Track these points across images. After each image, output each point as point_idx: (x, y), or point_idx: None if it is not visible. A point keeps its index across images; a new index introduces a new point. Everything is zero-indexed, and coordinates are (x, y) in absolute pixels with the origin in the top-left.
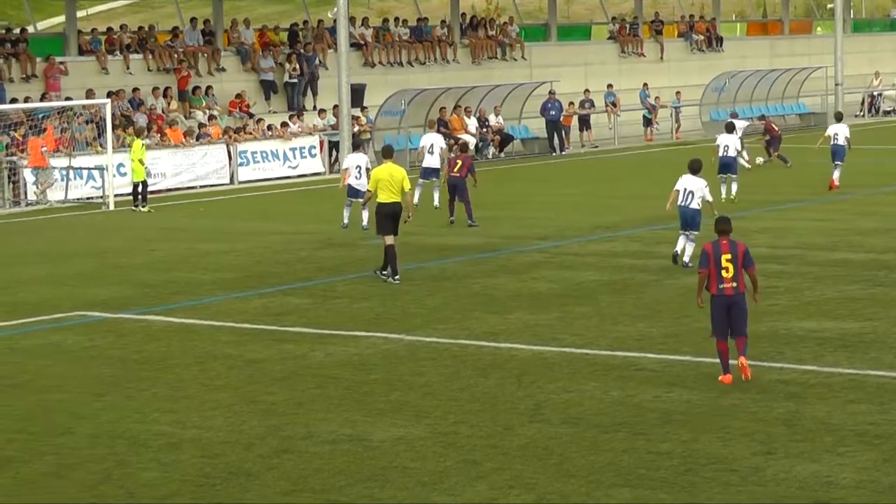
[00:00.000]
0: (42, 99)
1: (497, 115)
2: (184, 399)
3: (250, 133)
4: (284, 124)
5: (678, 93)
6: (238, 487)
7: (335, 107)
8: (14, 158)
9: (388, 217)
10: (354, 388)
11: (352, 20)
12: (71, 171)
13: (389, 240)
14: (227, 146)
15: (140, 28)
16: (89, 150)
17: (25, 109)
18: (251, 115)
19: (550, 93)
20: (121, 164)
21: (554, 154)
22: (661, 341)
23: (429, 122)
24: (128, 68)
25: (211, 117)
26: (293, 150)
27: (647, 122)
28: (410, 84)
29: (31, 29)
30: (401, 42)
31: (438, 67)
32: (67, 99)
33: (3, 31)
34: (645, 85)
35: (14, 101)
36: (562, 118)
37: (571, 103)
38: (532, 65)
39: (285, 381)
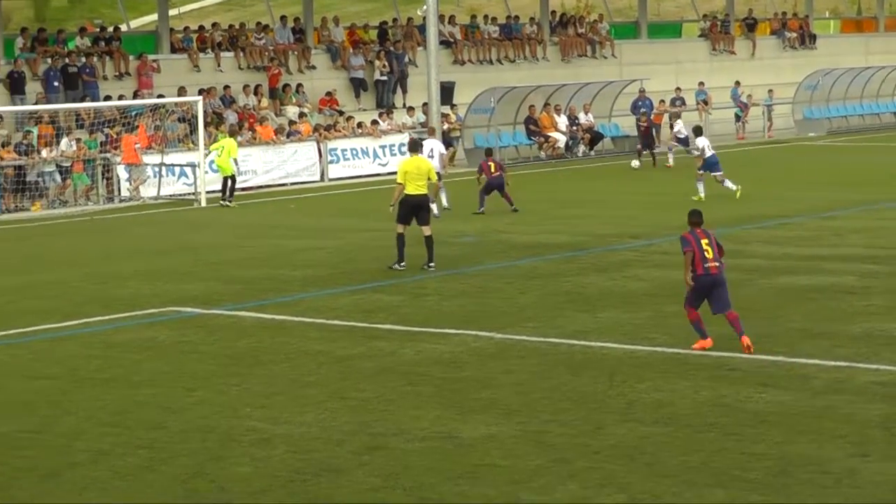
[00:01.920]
0: (135, 96)
1: (587, 113)
2: (275, 395)
3: (340, 130)
4: (374, 122)
5: (770, 91)
6: (329, 483)
7: (424, 104)
8: (108, 155)
9: (415, 207)
10: (445, 386)
11: (441, 18)
12: (163, 168)
13: (427, 230)
14: (318, 143)
15: (231, 26)
16: (181, 147)
17: (119, 107)
18: (341, 113)
19: (641, 91)
20: (213, 161)
21: (645, 152)
22: (754, 341)
23: (429, 129)
24: (219, 66)
25: (301, 115)
26: (383, 147)
27: (739, 120)
28: (500, 82)
29: (124, 27)
30: (490, 40)
31: (528, 65)
32: (160, 96)
33: (98, 30)
34: (737, 83)
35: (108, 98)
36: (652, 116)
37: (662, 101)
38: (622, 63)
39: (376, 378)
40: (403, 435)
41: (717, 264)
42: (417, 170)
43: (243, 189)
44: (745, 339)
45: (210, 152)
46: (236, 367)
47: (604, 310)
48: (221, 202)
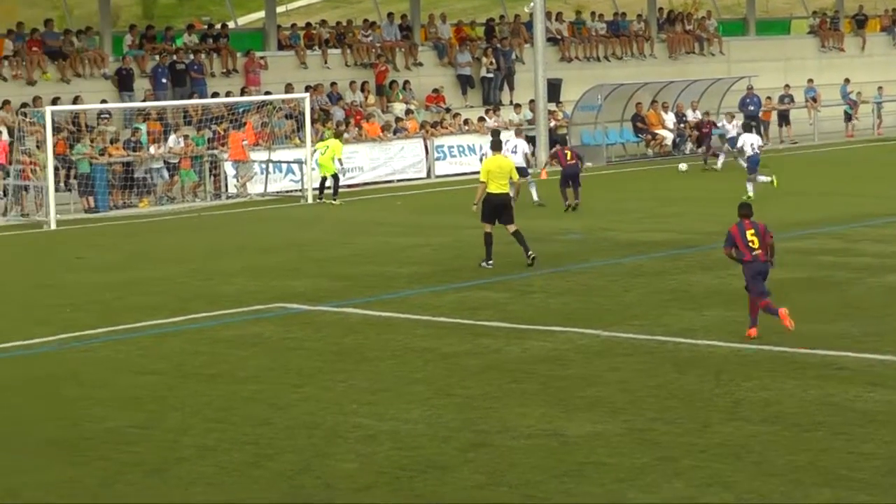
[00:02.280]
0: (242, 93)
1: (694, 111)
2: (381, 391)
3: (447, 127)
4: (481, 119)
5: (880, 88)
6: (434, 480)
7: (531, 101)
8: (215, 152)
9: (498, 207)
10: (550, 383)
11: (548, 15)
12: (270, 165)
13: (512, 227)
14: (424, 140)
15: (338, 23)
16: (288, 143)
17: (226, 104)
18: (448, 110)
19: (749, 88)
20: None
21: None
22: (862, 340)
23: (515, 129)
24: (326, 63)
25: (408, 111)
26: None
27: (848, 117)
28: (607, 79)
29: (231, 24)
30: (597, 37)
31: (635, 62)
32: (267, 93)
33: (205, 27)
34: (846, 80)
35: (215, 95)
36: (760, 113)
37: (769, 98)
38: (730, 60)
39: (481, 376)
40: (509, 432)
41: (760, 251)
42: (499, 169)
43: (349, 186)
44: (783, 311)
45: (315, 151)
46: (342, 363)
47: (710, 308)
48: (321, 200)
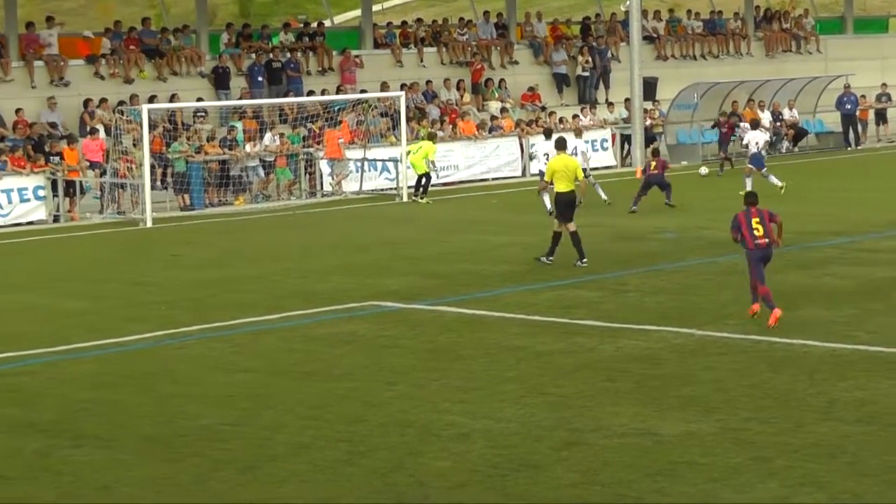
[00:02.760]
0: (337, 92)
1: (791, 109)
2: (474, 390)
3: (542, 126)
4: (576, 117)
5: None
6: (527, 479)
7: (626, 100)
8: (311, 150)
9: (566, 205)
10: (644, 382)
11: (644, 13)
12: (365, 163)
13: (572, 226)
14: (520, 139)
15: (434, 21)
16: (383, 142)
17: (322, 102)
18: (543, 108)
19: (846, 86)
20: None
21: (849, 148)
22: None
23: (575, 130)
24: (422, 61)
25: (503, 110)
26: (585, 143)
27: None
28: (703, 77)
29: (327, 23)
30: (694, 35)
31: (731, 60)
32: (362, 91)
33: (301, 26)
34: None
35: (311, 93)
36: (857, 112)
37: (863, 96)
38: (827, 58)
39: (575, 374)
40: (602, 431)
41: (765, 240)
42: (565, 168)
43: (444, 184)
44: (776, 313)
45: (409, 152)
46: (436, 361)
47: (805, 307)
48: (413, 198)
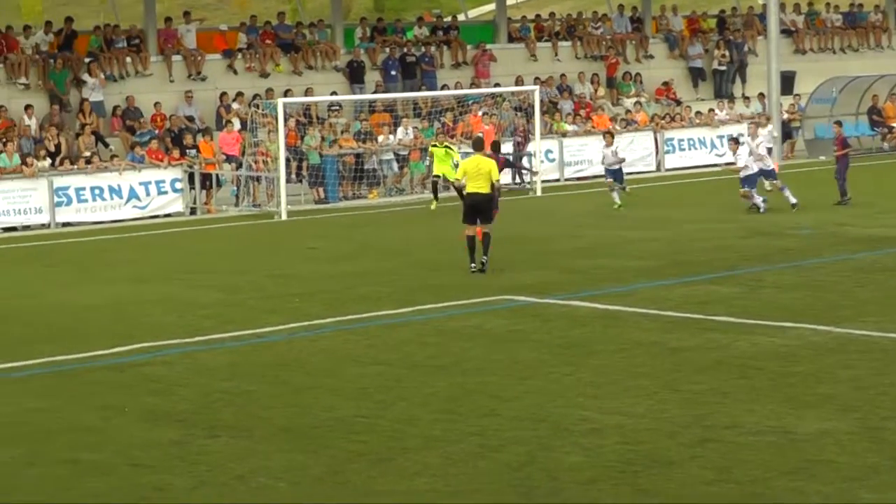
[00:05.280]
0: (471, 86)
1: None
2: (607, 385)
3: (677, 120)
4: (711, 111)
5: None
6: (660, 476)
7: (760, 94)
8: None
9: (476, 207)
10: (780, 380)
11: (782, 6)
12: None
13: (486, 227)
14: (654, 133)
15: (568, 15)
16: (516, 136)
17: (455, 96)
18: (678, 103)
19: None
20: (549, 150)
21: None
22: None
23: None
24: (556, 55)
25: (637, 104)
26: (720, 137)
27: None
28: (842, 71)
29: (461, 17)
30: (833, 28)
31: (872, 54)
32: (496, 85)
33: (436, 19)
34: None
35: (444, 87)
36: None
37: None
38: None
39: (709, 371)
40: (737, 428)
41: None
42: (478, 169)
43: (578, 179)
44: None
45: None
46: (569, 356)
47: None
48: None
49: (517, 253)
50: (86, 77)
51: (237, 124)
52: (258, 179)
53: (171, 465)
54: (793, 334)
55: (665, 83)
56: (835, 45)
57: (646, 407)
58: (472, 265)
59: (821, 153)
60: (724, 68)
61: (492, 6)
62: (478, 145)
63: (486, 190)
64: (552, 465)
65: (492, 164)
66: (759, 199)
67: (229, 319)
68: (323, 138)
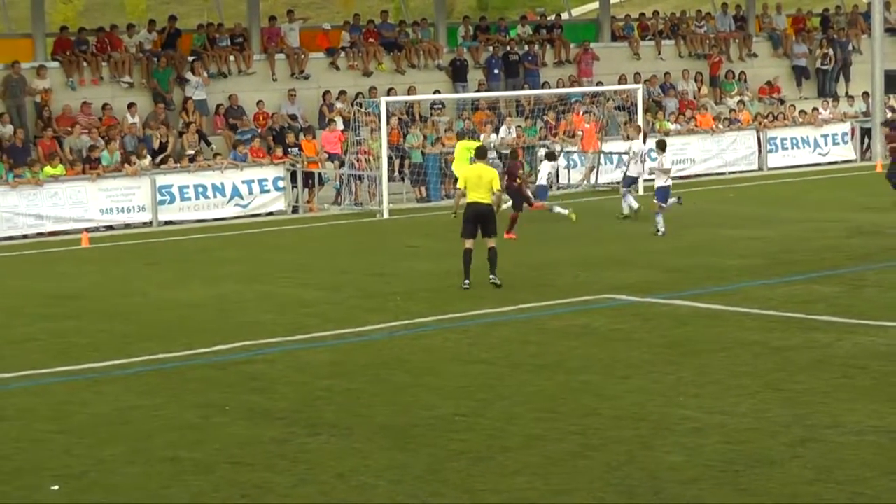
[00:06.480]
0: (572, 84)
1: None
2: (709, 384)
3: (781, 119)
4: (815, 110)
5: None
6: (761, 475)
7: (864, 93)
8: (546, 142)
9: (477, 218)
10: (882, 379)
11: (887, 5)
12: (601, 156)
13: (491, 242)
14: (757, 132)
15: (672, 14)
16: (619, 135)
17: (558, 94)
18: (782, 101)
19: None
20: (651, 150)
21: None
22: None
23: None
24: (659, 54)
25: (741, 103)
26: (824, 136)
27: None
28: None
29: (565, 16)
30: None
31: None
32: (599, 84)
33: (538, 18)
34: None
35: (545, 85)
36: None
37: None
38: None
39: (811, 370)
40: (838, 428)
41: None
42: (479, 178)
43: (681, 177)
44: None
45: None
46: (670, 355)
47: None
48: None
49: (619, 252)
50: (189, 75)
51: (340, 123)
52: (360, 178)
53: (272, 463)
54: (895, 334)
55: (769, 82)
56: None
57: (747, 406)
58: (466, 282)
59: None
60: (827, 67)
61: (595, 5)
62: (480, 154)
63: (487, 200)
64: (653, 465)
65: (493, 174)
66: (633, 202)
67: (331, 318)
68: (425, 137)
